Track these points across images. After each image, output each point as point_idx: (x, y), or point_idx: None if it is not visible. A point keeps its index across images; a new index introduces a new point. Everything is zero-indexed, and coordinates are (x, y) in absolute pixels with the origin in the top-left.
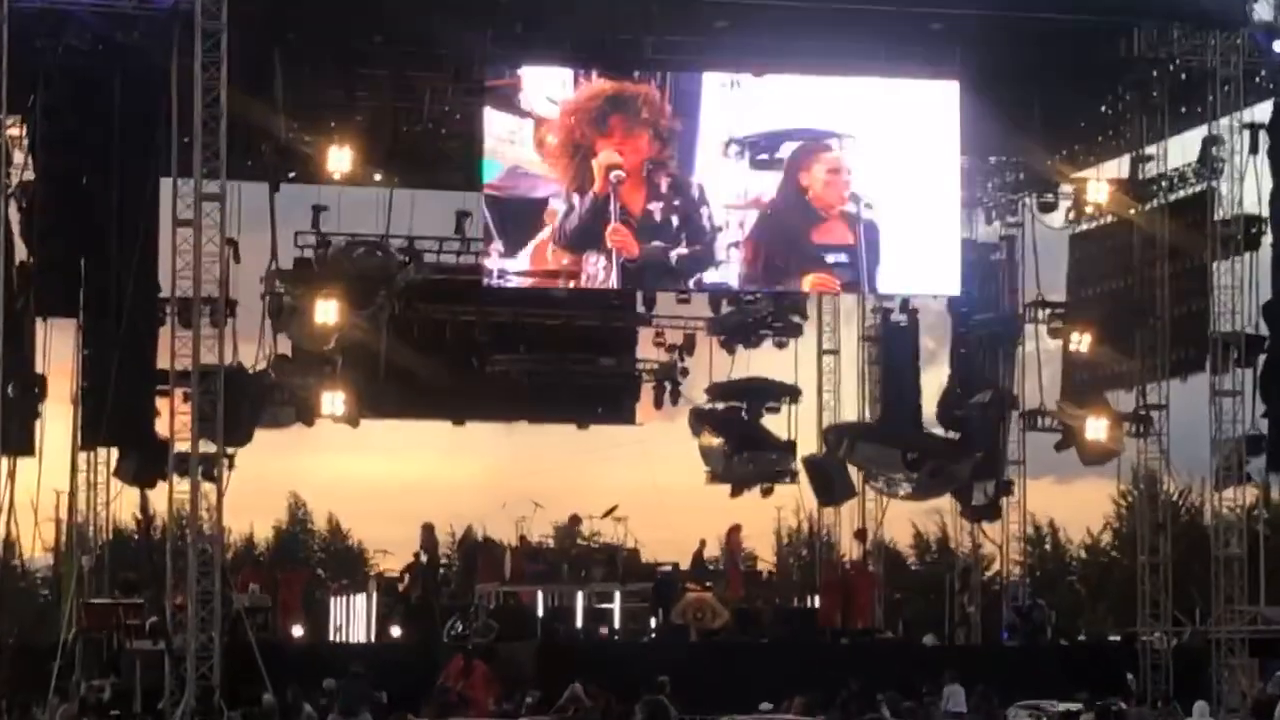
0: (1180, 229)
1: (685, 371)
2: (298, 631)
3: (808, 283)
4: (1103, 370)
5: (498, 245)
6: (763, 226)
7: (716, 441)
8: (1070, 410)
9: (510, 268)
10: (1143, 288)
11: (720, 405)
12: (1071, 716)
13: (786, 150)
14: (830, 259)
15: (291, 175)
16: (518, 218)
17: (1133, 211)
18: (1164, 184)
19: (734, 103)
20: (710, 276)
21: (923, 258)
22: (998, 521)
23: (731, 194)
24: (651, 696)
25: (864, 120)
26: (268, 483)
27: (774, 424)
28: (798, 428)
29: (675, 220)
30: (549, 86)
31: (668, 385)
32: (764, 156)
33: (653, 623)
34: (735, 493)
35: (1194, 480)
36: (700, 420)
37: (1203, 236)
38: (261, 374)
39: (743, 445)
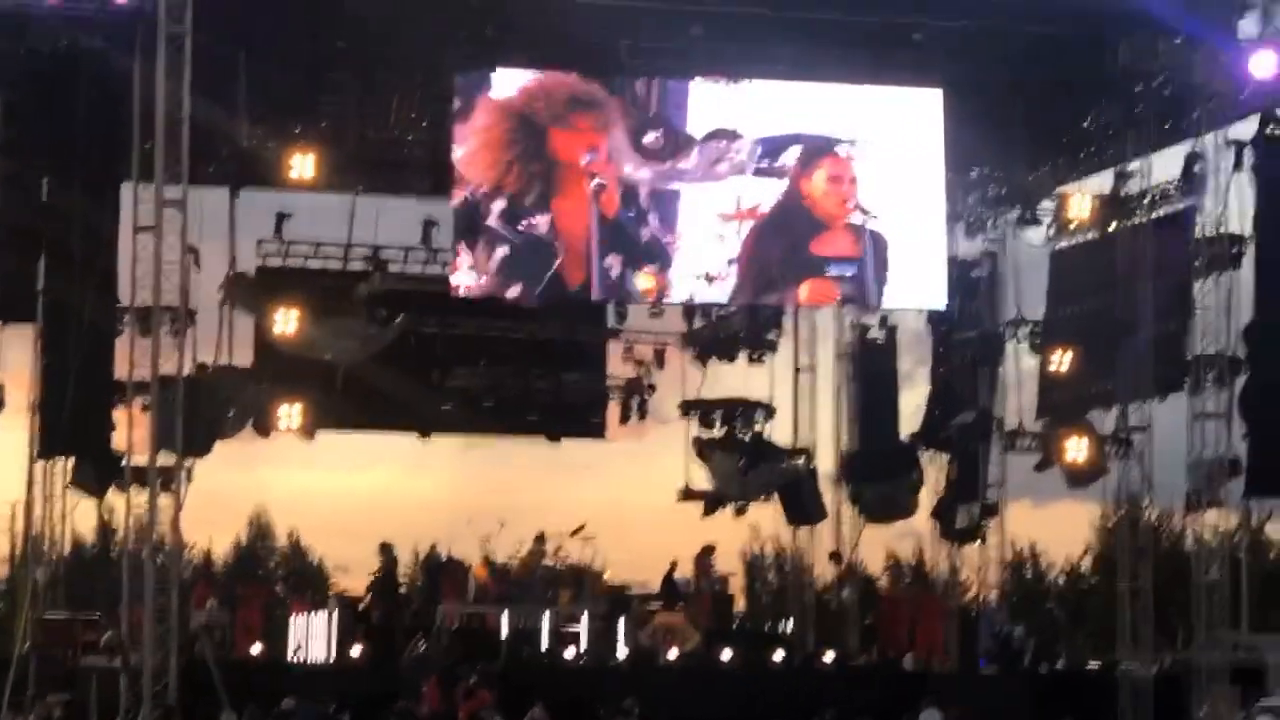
0: (1163, 246)
1: (653, 387)
2: (256, 649)
3: (804, 292)
4: (1081, 389)
5: (466, 259)
6: (759, 236)
7: (728, 464)
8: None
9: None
10: (1124, 306)
11: (721, 428)
12: None
13: (789, 156)
14: (833, 271)
15: (254, 181)
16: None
17: (1114, 228)
18: (1146, 200)
19: (726, 108)
20: (703, 294)
21: (910, 271)
22: (977, 545)
23: (725, 204)
24: None
25: (856, 128)
26: (226, 497)
27: None
28: None
29: (649, 234)
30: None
31: (635, 401)
32: (765, 163)
33: (620, 645)
34: (708, 511)
35: (1175, 504)
36: (708, 447)
37: (1185, 255)
38: (219, 384)
39: (756, 459)
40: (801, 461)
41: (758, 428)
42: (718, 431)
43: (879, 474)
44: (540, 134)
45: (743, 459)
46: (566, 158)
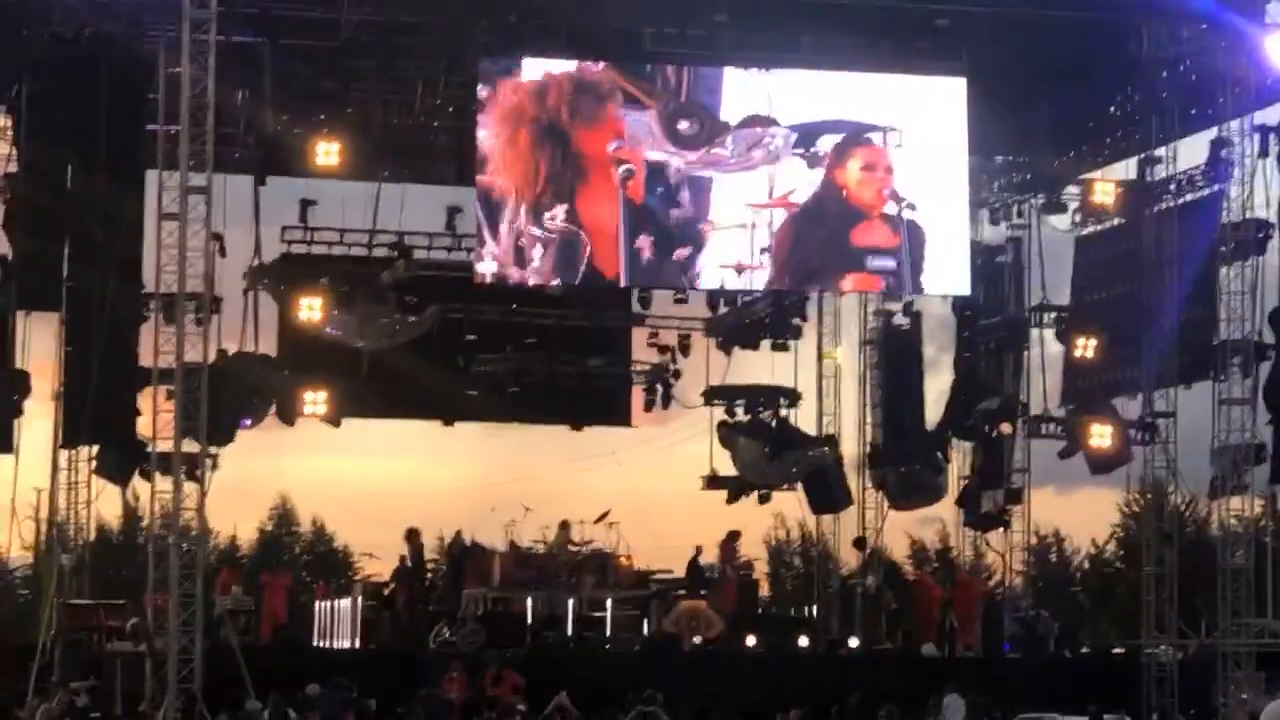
0: (1188, 233)
1: (678, 374)
2: (281, 635)
3: (847, 283)
4: (1105, 376)
5: (491, 248)
6: (795, 226)
7: (753, 450)
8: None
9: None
10: (1150, 292)
11: (745, 414)
12: None
13: (825, 144)
14: (873, 263)
15: (279, 169)
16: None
17: (1140, 214)
18: (1173, 186)
19: (759, 95)
20: (733, 283)
21: (935, 257)
22: (1001, 531)
23: (758, 192)
24: (645, 708)
25: (886, 115)
26: (251, 484)
27: None
28: None
29: (679, 217)
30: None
31: (659, 387)
32: (800, 150)
33: (645, 630)
34: (732, 499)
35: (1200, 491)
36: (733, 433)
37: (1211, 241)
38: (244, 371)
39: (781, 446)
40: (826, 449)
41: (782, 414)
42: (742, 416)
43: (909, 459)
44: (564, 138)
45: (768, 446)
46: (593, 152)
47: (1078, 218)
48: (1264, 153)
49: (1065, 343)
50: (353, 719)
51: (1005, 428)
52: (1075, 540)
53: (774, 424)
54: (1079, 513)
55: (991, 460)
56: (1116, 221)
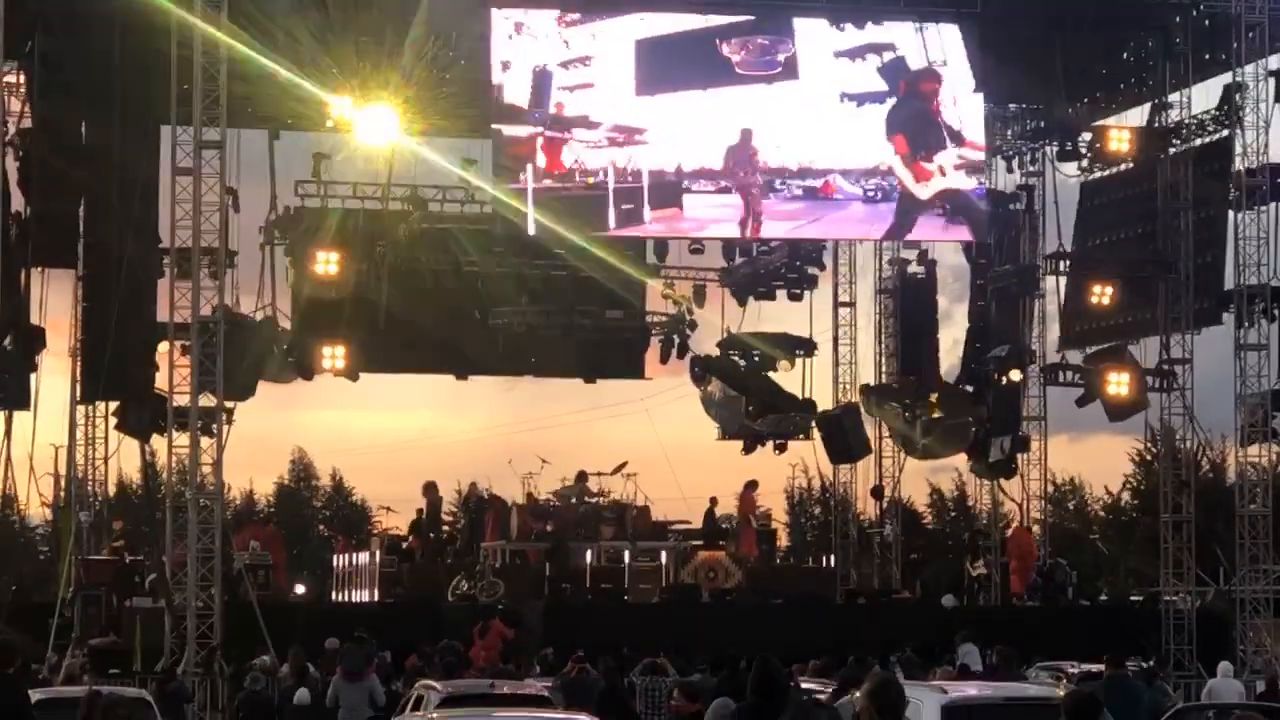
0: (1201, 178)
1: (694, 325)
2: (300, 590)
3: None
4: (1121, 322)
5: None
6: None
7: (724, 393)
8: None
9: None
10: (1164, 238)
11: (726, 354)
12: (1093, 677)
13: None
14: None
15: (293, 124)
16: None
17: (1153, 160)
18: (1185, 132)
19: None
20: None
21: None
22: (1016, 479)
23: None
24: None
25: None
26: (268, 439)
27: (789, 378)
28: (813, 382)
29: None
30: None
31: (676, 339)
32: None
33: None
34: (748, 449)
35: (1212, 437)
36: (707, 369)
37: (1224, 186)
38: (262, 326)
39: (763, 408)
40: (809, 413)
41: (794, 365)
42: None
43: (938, 408)
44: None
45: (748, 405)
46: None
47: (1089, 163)
48: (1278, 97)
49: (1080, 290)
50: (372, 671)
51: (1015, 374)
52: (1092, 489)
53: (754, 374)
54: (1092, 460)
55: (1002, 407)
56: (1123, 166)
